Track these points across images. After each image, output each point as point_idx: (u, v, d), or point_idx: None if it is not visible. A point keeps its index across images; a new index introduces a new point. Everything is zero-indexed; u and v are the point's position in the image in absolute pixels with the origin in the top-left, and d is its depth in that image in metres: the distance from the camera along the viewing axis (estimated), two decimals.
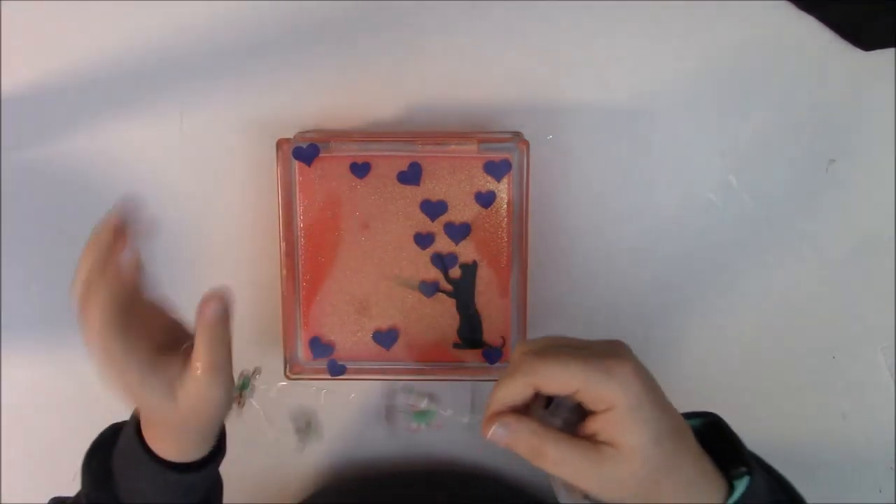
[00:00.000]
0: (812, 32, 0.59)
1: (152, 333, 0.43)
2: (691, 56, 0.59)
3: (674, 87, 0.59)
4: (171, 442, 0.44)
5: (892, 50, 0.59)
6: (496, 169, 0.55)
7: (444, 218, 0.55)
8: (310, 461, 0.64)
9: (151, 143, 0.60)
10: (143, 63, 0.59)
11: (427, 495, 0.60)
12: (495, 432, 0.37)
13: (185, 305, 0.62)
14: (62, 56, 0.59)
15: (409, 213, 0.55)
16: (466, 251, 0.56)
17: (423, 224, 0.55)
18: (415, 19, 0.58)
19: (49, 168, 0.60)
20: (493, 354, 0.56)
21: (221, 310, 0.42)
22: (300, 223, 0.55)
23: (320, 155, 0.55)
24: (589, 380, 0.36)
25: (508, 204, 0.55)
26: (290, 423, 0.51)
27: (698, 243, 0.61)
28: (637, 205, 0.60)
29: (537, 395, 0.38)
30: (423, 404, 0.46)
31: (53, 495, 0.64)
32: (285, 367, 0.56)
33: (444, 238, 0.55)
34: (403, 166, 0.55)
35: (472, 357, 0.56)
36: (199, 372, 0.41)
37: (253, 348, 0.62)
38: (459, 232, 0.55)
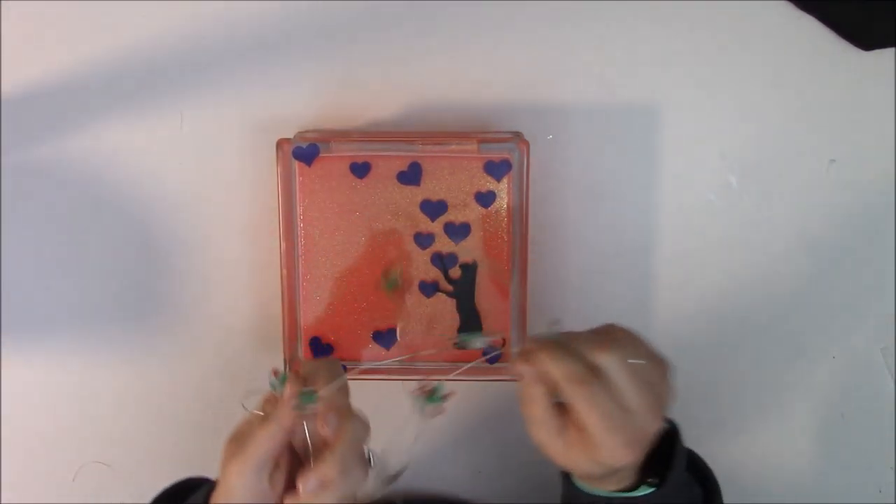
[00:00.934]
0: (812, 32, 0.59)
1: None
2: (691, 56, 0.59)
3: (674, 86, 0.59)
4: None
5: (892, 50, 0.59)
6: (496, 169, 0.55)
7: (444, 218, 0.55)
8: None
9: (151, 143, 0.60)
10: (143, 63, 0.59)
11: None
12: (522, 368, 0.44)
13: (185, 305, 0.62)
14: (62, 56, 0.59)
15: (409, 213, 0.55)
16: (466, 251, 0.56)
17: (423, 224, 0.55)
18: (415, 19, 0.58)
19: (49, 168, 0.60)
20: (493, 355, 0.56)
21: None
22: (300, 223, 0.55)
23: (320, 155, 0.55)
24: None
25: (508, 204, 0.55)
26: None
27: (698, 243, 0.61)
28: (637, 205, 0.60)
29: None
30: (430, 386, 0.47)
31: (53, 495, 0.64)
32: (285, 367, 0.56)
33: (444, 238, 0.56)
34: (403, 166, 0.55)
35: (472, 357, 0.56)
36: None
37: (253, 348, 0.62)
38: (459, 232, 0.55)
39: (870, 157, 0.60)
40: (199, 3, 0.58)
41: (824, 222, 0.61)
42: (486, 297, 0.56)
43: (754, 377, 0.63)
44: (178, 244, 0.61)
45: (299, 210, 0.55)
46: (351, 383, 0.58)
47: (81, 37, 0.58)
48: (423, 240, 0.55)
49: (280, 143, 0.54)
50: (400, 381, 0.54)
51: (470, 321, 0.56)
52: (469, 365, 0.52)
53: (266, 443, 0.43)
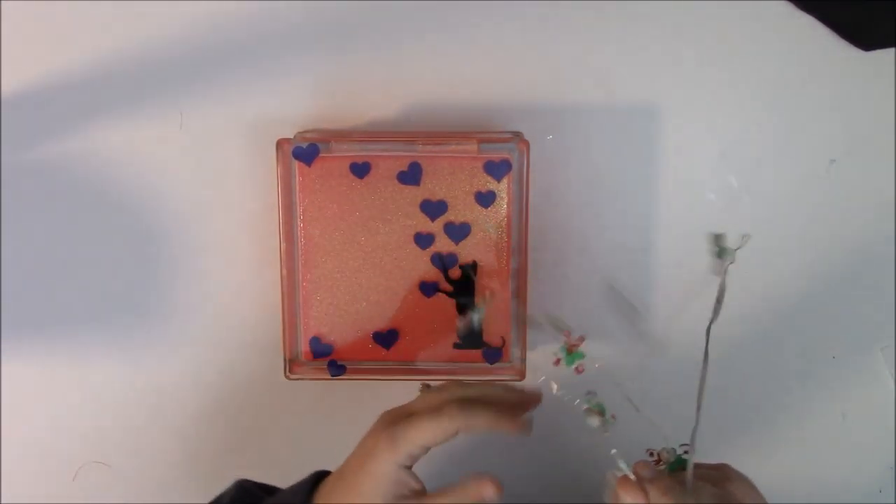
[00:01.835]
0: (812, 32, 0.59)
1: None
2: (691, 56, 0.59)
3: (674, 86, 0.59)
4: None
5: (892, 50, 0.59)
6: (496, 169, 0.55)
7: (444, 218, 0.55)
8: None
9: (151, 143, 0.60)
10: (143, 63, 0.59)
11: None
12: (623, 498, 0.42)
13: (185, 305, 0.62)
14: (62, 56, 0.59)
15: (409, 213, 0.55)
16: (466, 251, 0.56)
17: (423, 224, 0.55)
18: (414, 19, 0.58)
19: (49, 168, 0.60)
20: (493, 354, 0.56)
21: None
22: (300, 223, 0.55)
23: (320, 155, 0.55)
24: None
25: (508, 204, 0.55)
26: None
27: (698, 243, 0.61)
28: (637, 205, 0.60)
29: None
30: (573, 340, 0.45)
31: (53, 495, 0.64)
32: (285, 367, 0.56)
33: (444, 238, 0.55)
34: (403, 166, 0.55)
35: (472, 357, 0.56)
36: None
37: (253, 348, 0.62)
38: (459, 232, 0.55)
39: (870, 157, 0.60)
40: (198, 3, 0.58)
41: (824, 222, 0.61)
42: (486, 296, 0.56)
43: (754, 377, 0.63)
44: (178, 244, 0.61)
45: (299, 210, 0.55)
46: (350, 383, 0.58)
47: (81, 37, 0.58)
48: (423, 240, 0.55)
49: (280, 143, 0.54)
50: (399, 381, 0.54)
51: (470, 321, 0.56)
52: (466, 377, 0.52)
53: (432, 436, 0.43)
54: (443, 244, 0.56)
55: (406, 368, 0.57)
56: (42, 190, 0.60)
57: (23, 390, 0.62)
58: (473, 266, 0.56)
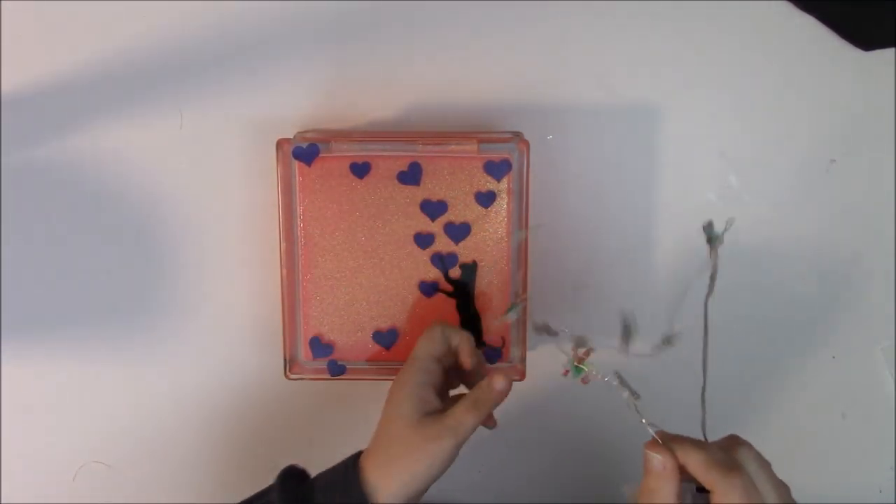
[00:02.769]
0: (812, 32, 0.59)
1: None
2: (691, 56, 0.59)
3: (674, 86, 0.59)
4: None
5: (892, 50, 0.59)
6: (496, 169, 0.55)
7: (444, 218, 0.55)
8: None
9: (151, 143, 0.60)
10: (144, 63, 0.59)
11: None
12: (653, 457, 0.42)
13: (185, 306, 0.62)
14: (62, 56, 0.59)
15: (409, 213, 0.55)
16: (466, 251, 0.56)
17: (423, 224, 0.55)
18: (414, 19, 0.58)
19: (49, 168, 0.60)
20: (493, 354, 0.56)
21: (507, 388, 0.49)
22: (300, 223, 0.55)
23: (320, 155, 0.55)
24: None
25: (508, 204, 0.55)
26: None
27: (698, 243, 0.61)
28: (637, 205, 0.60)
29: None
30: (582, 353, 0.47)
31: (53, 495, 0.64)
32: (285, 367, 0.56)
33: (444, 238, 0.56)
34: (403, 166, 0.55)
35: None
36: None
37: (253, 348, 0.62)
38: (459, 232, 0.55)
39: (870, 157, 0.60)
40: (198, 3, 0.58)
41: (824, 222, 0.61)
42: (486, 297, 0.56)
43: (754, 377, 0.63)
44: (178, 244, 0.61)
45: (299, 210, 0.55)
46: (350, 383, 0.58)
47: (81, 37, 0.59)
48: (423, 240, 0.55)
49: (280, 143, 0.54)
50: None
51: (470, 321, 0.56)
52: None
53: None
54: (443, 244, 0.56)
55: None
56: (42, 190, 0.60)
57: (23, 391, 0.62)
58: (473, 266, 0.56)
